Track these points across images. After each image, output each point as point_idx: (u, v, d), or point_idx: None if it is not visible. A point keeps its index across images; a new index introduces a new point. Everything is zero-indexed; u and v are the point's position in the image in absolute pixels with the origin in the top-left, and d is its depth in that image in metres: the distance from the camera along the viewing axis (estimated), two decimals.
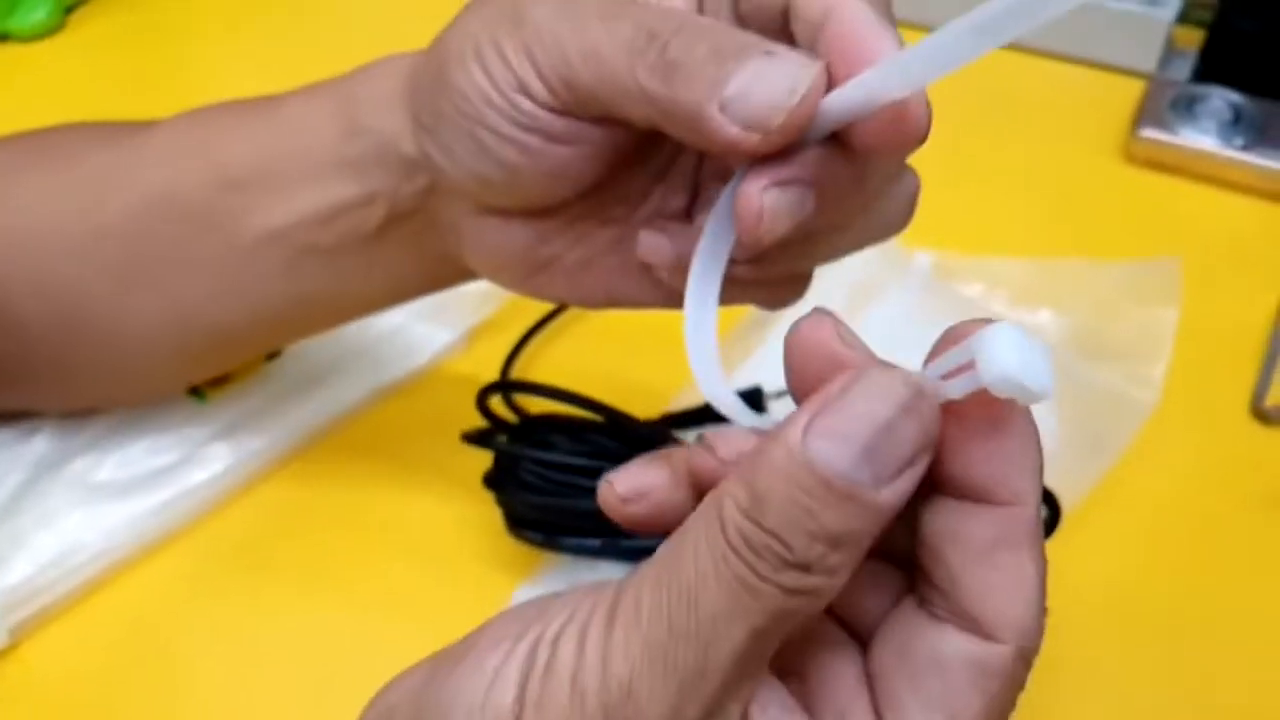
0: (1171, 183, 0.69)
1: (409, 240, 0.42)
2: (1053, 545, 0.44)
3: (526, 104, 0.34)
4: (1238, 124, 0.69)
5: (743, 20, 0.35)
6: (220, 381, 0.55)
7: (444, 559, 0.51)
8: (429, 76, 0.37)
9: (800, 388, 0.28)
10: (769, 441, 0.25)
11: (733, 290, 0.35)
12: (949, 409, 0.26)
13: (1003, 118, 0.74)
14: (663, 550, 0.26)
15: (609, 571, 0.49)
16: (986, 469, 0.26)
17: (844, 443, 0.24)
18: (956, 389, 0.25)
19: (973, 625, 0.26)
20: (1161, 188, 0.69)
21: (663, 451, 0.32)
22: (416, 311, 0.59)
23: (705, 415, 0.55)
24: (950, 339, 0.27)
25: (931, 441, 0.25)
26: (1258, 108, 0.70)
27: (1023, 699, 0.27)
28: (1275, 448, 0.56)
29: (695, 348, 0.33)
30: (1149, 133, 0.69)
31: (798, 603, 0.25)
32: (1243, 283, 0.63)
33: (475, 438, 0.47)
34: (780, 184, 0.31)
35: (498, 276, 0.41)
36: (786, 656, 0.28)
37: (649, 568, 0.26)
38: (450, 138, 0.37)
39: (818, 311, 0.28)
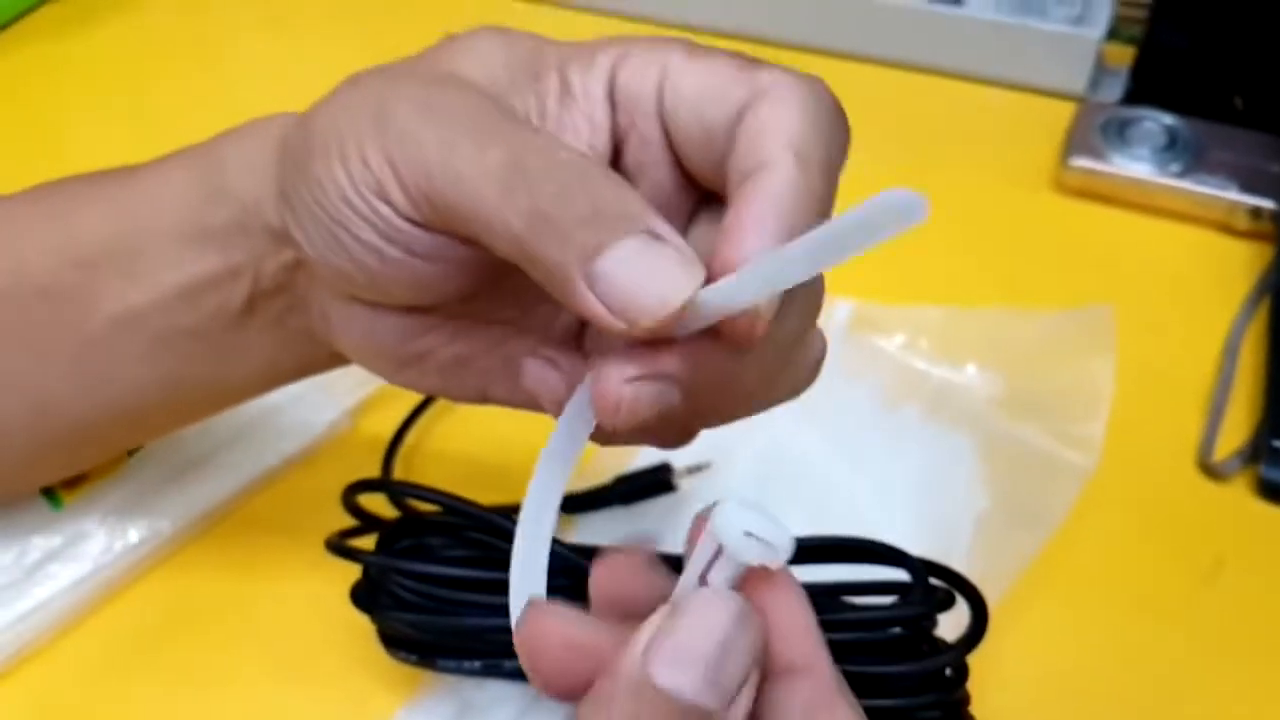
0: (1105, 213, 0.65)
1: (278, 319, 0.38)
2: (985, 641, 0.40)
3: (386, 211, 0.31)
4: (1172, 148, 0.66)
5: (683, 146, 0.33)
6: (76, 483, 0.50)
7: (320, 675, 0.46)
8: (296, 153, 0.34)
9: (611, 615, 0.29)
10: (612, 675, 0.26)
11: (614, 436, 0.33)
12: None
13: (923, 149, 0.69)
14: None
15: (496, 692, 0.44)
16: (776, 640, 0.28)
17: (688, 666, 0.25)
18: (721, 579, 0.27)
19: None
20: (1095, 219, 0.65)
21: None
22: (296, 390, 0.54)
23: (609, 496, 0.50)
24: (696, 529, 0.29)
25: (761, 652, 0.27)
26: (1192, 130, 0.66)
27: None
28: (1225, 505, 0.52)
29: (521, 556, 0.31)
30: (1080, 161, 0.65)
31: None
32: (1184, 322, 0.60)
33: (340, 547, 0.43)
34: (642, 379, 0.29)
35: (368, 365, 0.38)
36: None
37: None
38: (310, 227, 0.33)
39: (611, 553, 0.30)
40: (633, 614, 0.28)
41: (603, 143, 0.33)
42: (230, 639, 0.48)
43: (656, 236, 0.28)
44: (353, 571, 0.44)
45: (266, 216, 0.36)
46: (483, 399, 0.37)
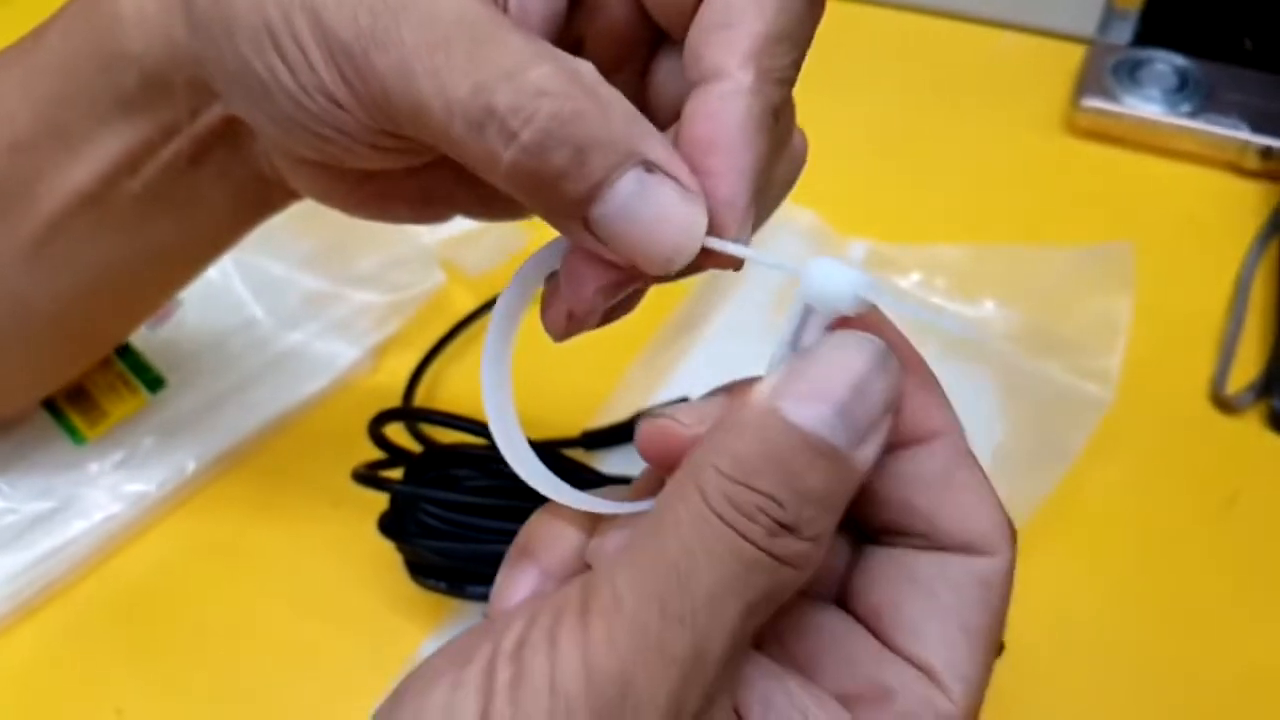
0: (1117, 155, 0.65)
1: (226, 169, 0.37)
2: None
3: (343, 116, 0.30)
4: (1183, 89, 0.66)
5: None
6: (97, 419, 0.50)
7: (344, 609, 0.47)
8: (208, 21, 0.31)
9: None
10: (737, 409, 0.25)
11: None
12: None
13: (936, 92, 0.69)
14: (636, 536, 0.25)
15: None
16: (913, 413, 0.27)
17: (819, 401, 0.25)
18: (812, 337, 0.26)
19: (965, 547, 0.27)
20: (1107, 160, 0.65)
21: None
22: (317, 330, 0.55)
23: (629, 432, 0.50)
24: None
25: (896, 398, 0.26)
26: (1203, 71, 0.66)
27: None
28: (1239, 437, 0.53)
29: (497, 419, 0.30)
30: (1091, 102, 0.65)
31: (786, 575, 0.25)
32: (1195, 260, 0.60)
33: (367, 477, 0.43)
34: (616, 285, 0.29)
35: (329, 204, 0.37)
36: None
37: (622, 555, 0.25)
38: (249, 108, 0.32)
39: (647, 419, 0.28)
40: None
41: None
42: (255, 575, 0.48)
43: (651, 166, 0.27)
44: (376, 508, 0.44)
45: (185, 73, 0.34)
46: (457, 213, 0.37)
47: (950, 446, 0.28)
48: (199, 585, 0.48)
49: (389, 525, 0.43)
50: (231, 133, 0.36)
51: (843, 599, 0.29)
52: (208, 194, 0.38)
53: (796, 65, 0.29)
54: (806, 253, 0.57)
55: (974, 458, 0.28)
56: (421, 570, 0.44)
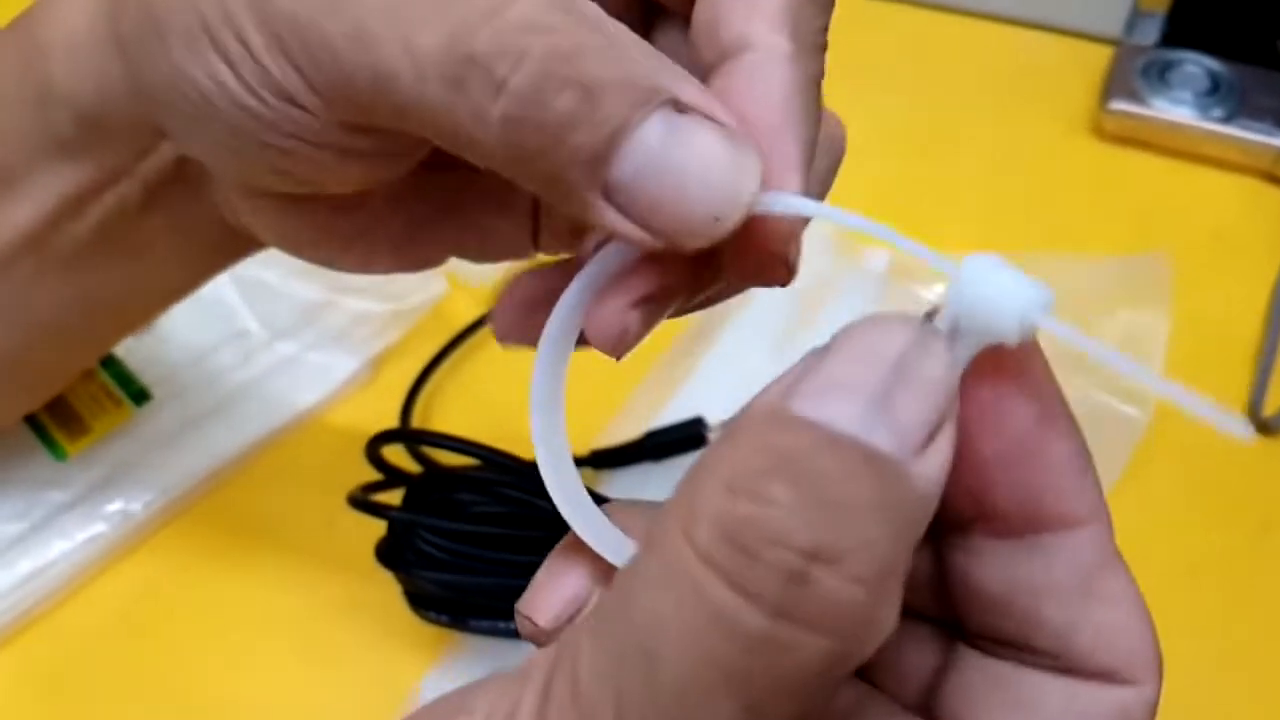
0: (1146, 160, 0.63)
1: (181, 212, 0.33)
2: None
3: (297, 114, 0.25)
4: (1215, 93, 0.63)
5: None
6: (79, 434, 0.48)
7: (339, 640, 0.44)
8: (141, 35, 0.27)
9: None
10: (742, 414, 0.19)
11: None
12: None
13: (960, 95, 0.67)
14: (610, 593, 0.19)
15: (534, 652, 0.42)
16: (1031, 480, 0.20)
17: (844, 395, 0.18)
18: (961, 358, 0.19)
19: (1103, 674, 0.21)
20: (1135, 166, 0.63)
21: (571, 539, 0.24)
22: (312, 340, 0.52)
23: (639, 451, 0.48)
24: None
25: (955, 393, 0.19)
26: (1236, 74, 0.64)
27: None
28: (1278, 461, 0.50)
29: (547, 455, 0.25)
30: (1119, 105, 0.63)
31: (815, 650, 0.17)
32: (1228, 273, 0.57)
33: (363, 502, 0.40)
34: (649, 299, 0.24)
35: (296, 254, 0.32)
36: None
37: (591, 618, 0.19)
38: (192, 130, 0.27)
39: None
40: None
41: None
42: (245, 603, 0.46)
43: (682, 106, 0.21)
44: (374, 530, 0.41)
45: (123, 113, 0.29)
46: (447, 257, 0.32)
47: (1097, 542, 0.21)
48: (185, 612, 0.46)
49: (386, 554, 0.40)
50: (185, 176, 0.32)
51: (927, 713, 0.23)
52: (161, 240, 0.34)
53: (826, 31, 0.24)
54: (825, 262, 0.55)
55: (1120, 557, 0.22)
56: (421, 601, 0.41)
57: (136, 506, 0.47)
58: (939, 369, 0.19)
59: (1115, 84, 0.64)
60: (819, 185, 0.29)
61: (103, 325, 0.39)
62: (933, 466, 0.18)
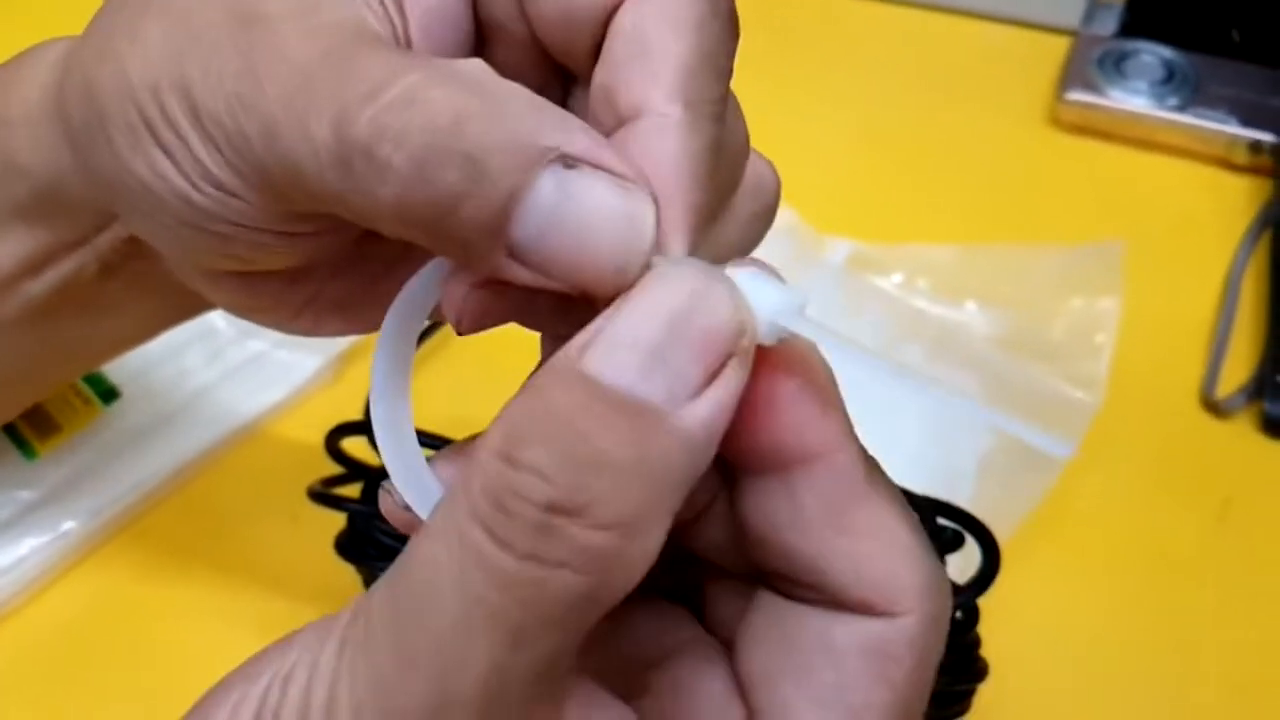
0: (1103, 149, 0.64)
1: (140, 277, 0.33)
2: (994, 584, 0.39)
3: (237, 204, 0.25)
4: (1170, 82, 0.64)
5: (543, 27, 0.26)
6: (49, 433, 0.48)
7: None
8: (87, 123, 0.27)
9: None
10: (533, 375, 0.21)
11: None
12: None
13: (916, 87, 0.68)
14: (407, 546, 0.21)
15: None
16: (776, 424, 0.22)
17: (625, 349, 0.19)
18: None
19: (862, 605, 0.22)
20: (1092, 155, 0.64)
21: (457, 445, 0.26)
22: (278, 338, 0.53)
23: None
24: None
25: (745, 345, 0.20)
26: (1191, 63, 0.65)
27: None
28: (1230, 442, 0.51)
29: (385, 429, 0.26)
30: (1076, 95, 0.64)
31: (569, 585, 0.19)
32: (1183, 258, 0.58)
33: (323, 495, 0.41)
34: (486, 286, 0.24)
35: (252, 319, 0.33)
36: (629, 670, 0.24)
37: (387, 572, 0.21)
38: (132, 213, 0.28)
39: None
40: None
41: None
42: (211, 597, 0.46)
43: (571, 160, 0.21)
44: (336, 524, 0.42)
45: (76, 192, 0.30)
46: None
47: (835, 472, 0.22)
48: (153, 607, 0.46)
49: (347, 547, 0.41)
50: (141, 250, 0.31)
51: (734, 646, 0.24)
52: (122, 300, 0.34)
53: (723, 101, 0.25)
54: (785, 253, 0.56)
55: (883, 487, 0.22)
56: None
57: (106, 503, 0.48)
58: (717, 318, 0.20)
59: (1072, 75, 0.65)
60: (743, 229, 0.30)
61: (61, 370, 0.40)
62: (701, 411, 0.20)
